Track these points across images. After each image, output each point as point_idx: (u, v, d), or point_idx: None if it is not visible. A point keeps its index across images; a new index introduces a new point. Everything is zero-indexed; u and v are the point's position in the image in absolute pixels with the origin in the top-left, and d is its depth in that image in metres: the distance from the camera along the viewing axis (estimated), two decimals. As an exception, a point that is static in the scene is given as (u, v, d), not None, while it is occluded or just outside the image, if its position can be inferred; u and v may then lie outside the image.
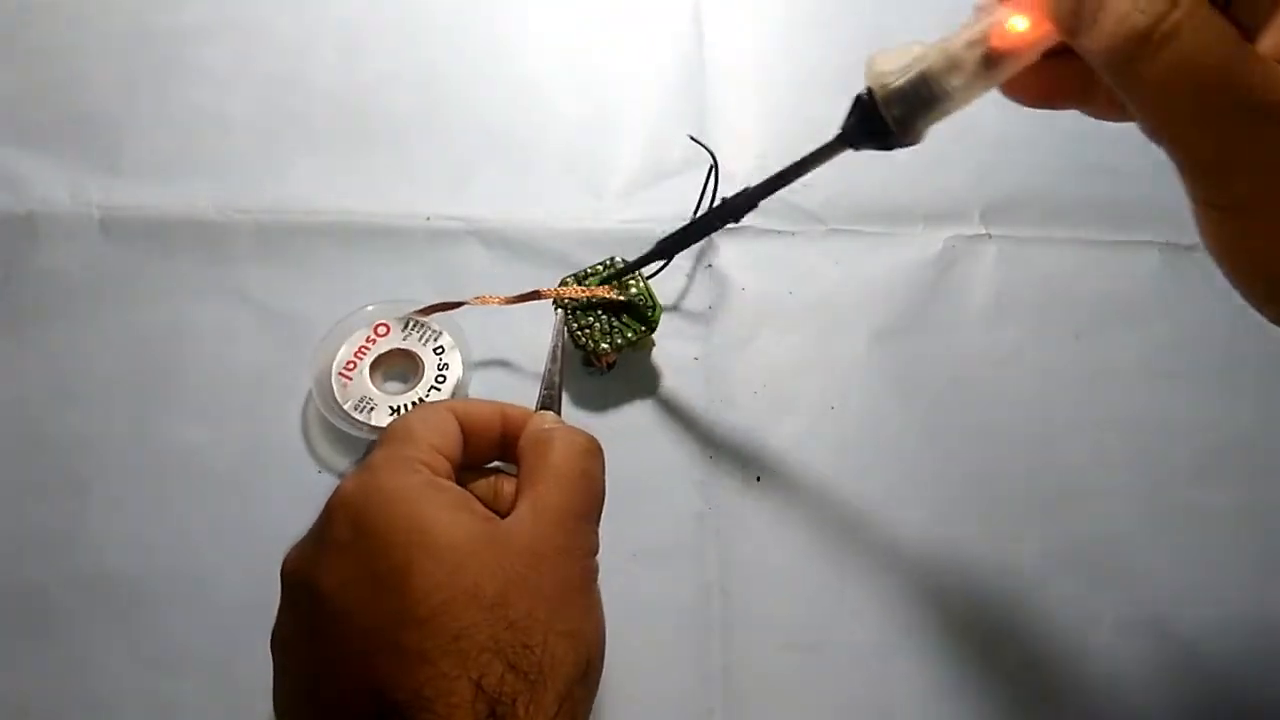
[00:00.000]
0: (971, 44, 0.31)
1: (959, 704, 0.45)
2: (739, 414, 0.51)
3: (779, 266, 0.54)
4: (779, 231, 0.55)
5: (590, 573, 0.34)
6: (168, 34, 0.59)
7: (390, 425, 0.37)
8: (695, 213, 0.53)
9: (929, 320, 0.54)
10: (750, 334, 0.53)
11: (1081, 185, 0.58)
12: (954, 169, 0.57)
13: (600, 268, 0.50)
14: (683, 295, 0.54)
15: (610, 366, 0.50)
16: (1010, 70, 0.31)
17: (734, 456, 0.50)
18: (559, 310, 0.48)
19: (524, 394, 0.50)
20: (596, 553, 0.35)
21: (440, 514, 0.32)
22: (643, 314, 0.49)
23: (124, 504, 0.47)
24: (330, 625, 0.31)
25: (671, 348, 0.52)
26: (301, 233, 0.54)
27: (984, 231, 0.56)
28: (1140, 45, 0.27)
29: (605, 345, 0.48)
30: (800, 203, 0.56)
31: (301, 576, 0.33)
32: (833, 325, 0.53)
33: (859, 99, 0.34)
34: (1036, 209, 0.57)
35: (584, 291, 0.49)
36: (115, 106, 0.56)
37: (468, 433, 0.37)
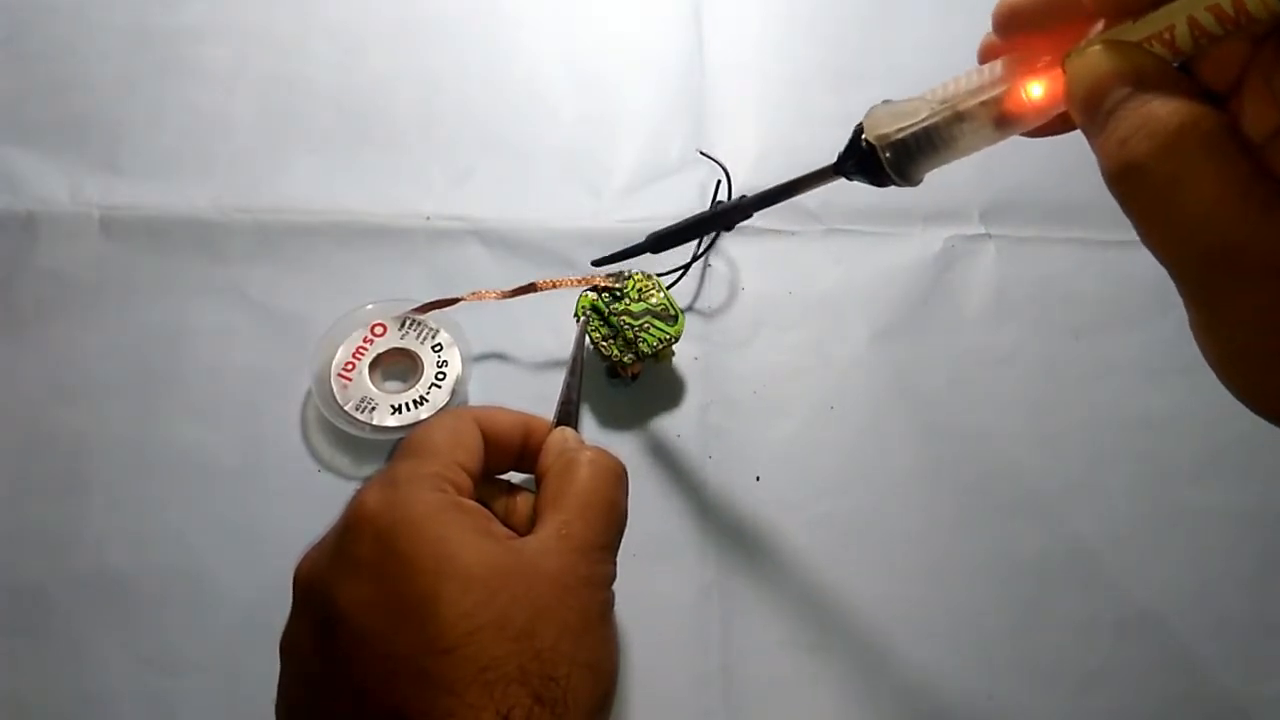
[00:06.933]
0: (985, 104, 0.30)
1: (958, 704, 0.45)
2: (739, 414, 0.51)
3: (779, 266, 0.54)
4: (779, 231, 0.55)
5: (608, 604, 0.34)
6: (168, 34, 0.59)
7: (414, 434, 0.36)
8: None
9: (929, 320, 0.54)
10: (750, 334, 0.53)
11: (1081, 185, 0.57)
12: (954, 168, 0.56)
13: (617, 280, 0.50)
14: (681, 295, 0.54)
15: (635, 377, 0.50)
16: (1023, 127, 0.30)
17: (734, 456, 0.50)
18: (580, 320, 0.47)
19: (523, 389, 0.50)
20: (614, 582, 0.35)
21: (466, 539, 0.32)
22: (666, 323, 0.48)
23: (124, 504, 0.47)
24: (349, 645, 0.31)
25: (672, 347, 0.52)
26: (301, 232, 0.54)
27: (984, 231, 0.56)
28: (1137, 183, 0.23)
29: (631, 356, 0.48)
30: (800, 202, 0.55)
31: (319, 588, 0.32)
32: (832, 325, 0.53)
33: (857, 137, 0.32)
34: (1036, 209, 0.57)
35: (576, 282, 0.49)
36: (115, 106, 0.56)
37: (489, 443, 0.37)
